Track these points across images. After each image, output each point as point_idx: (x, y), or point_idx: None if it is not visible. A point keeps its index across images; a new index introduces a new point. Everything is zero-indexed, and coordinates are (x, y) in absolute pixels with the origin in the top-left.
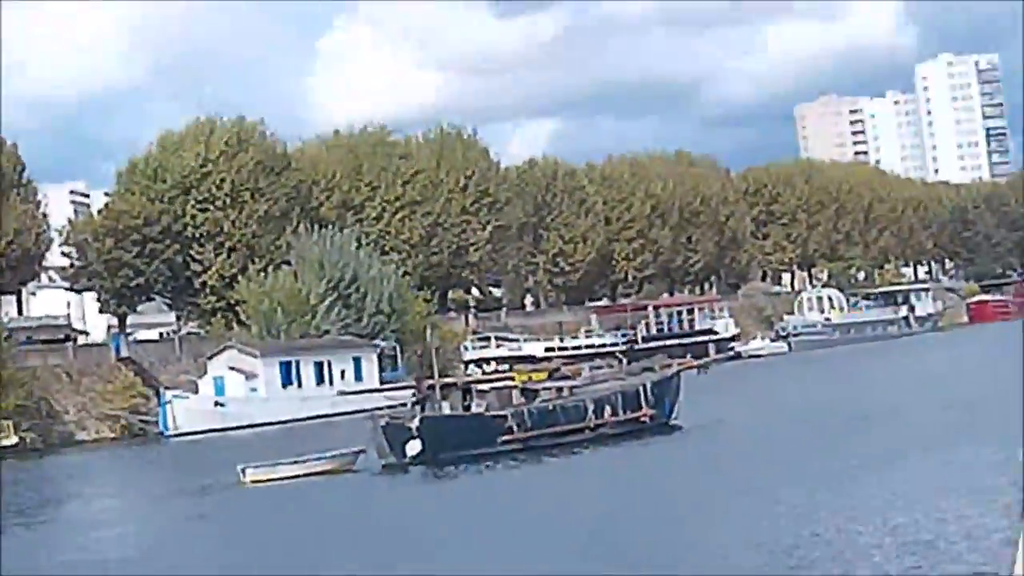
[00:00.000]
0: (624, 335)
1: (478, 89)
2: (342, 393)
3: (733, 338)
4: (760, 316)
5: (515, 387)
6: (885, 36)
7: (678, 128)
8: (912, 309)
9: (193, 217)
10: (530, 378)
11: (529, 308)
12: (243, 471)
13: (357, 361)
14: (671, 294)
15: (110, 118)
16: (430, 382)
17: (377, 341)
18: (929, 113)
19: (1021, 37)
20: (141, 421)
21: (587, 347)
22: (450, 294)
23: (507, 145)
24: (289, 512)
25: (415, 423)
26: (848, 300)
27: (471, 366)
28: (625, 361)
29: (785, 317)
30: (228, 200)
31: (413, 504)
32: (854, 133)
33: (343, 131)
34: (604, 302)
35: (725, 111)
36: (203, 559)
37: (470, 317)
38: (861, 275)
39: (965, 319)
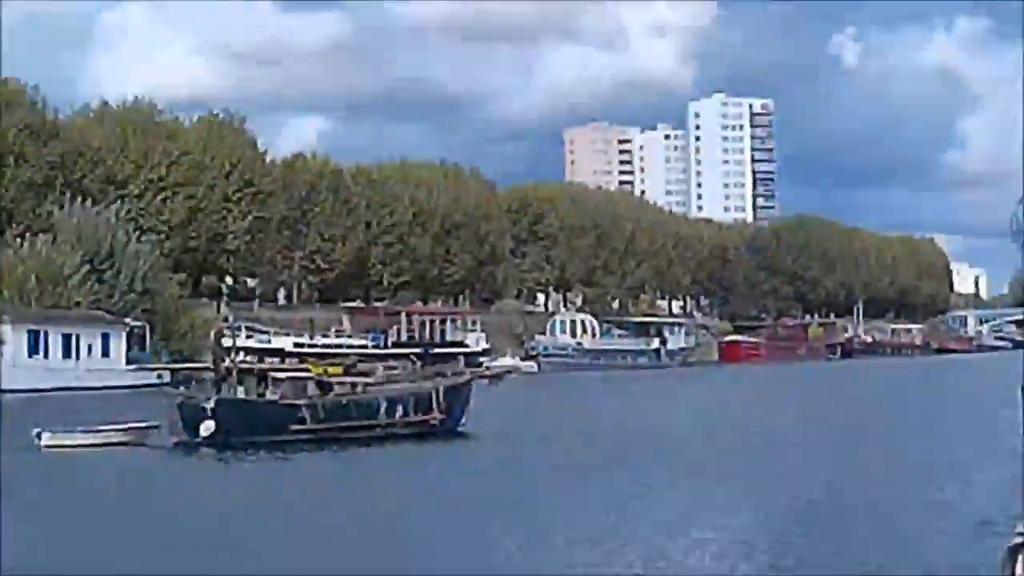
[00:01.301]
0: (375, 338)
1: (254, 79)
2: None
3: (483, 352)
4: (512, 333)
5: (311, 378)
6: (664, 71)
7: (448, 139)
8: (664, 342)
9: None
10: (326, 371)
11: (282, 302)
12: (39, 434)
13: (106, 337)
14: (424, 303)
15: None
16: (226, 365)
17: (127, 319)
18: (698, 151)
19: (795, 85)
20: None
21: (336, 347)
22: (204, 280)
23: (277, 138)
24: (86, 483)
25: (210, 404)
26: (601, 327)
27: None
28: (419, 365)
29: (537, 337)
30: None
31: (201, 484)
32: (622, 162)
33: (112, 104)
34: (357, 304)
35: (496, 127)
36: None
37: (222, 305)
38: (616, 303)
39: (716, 357)
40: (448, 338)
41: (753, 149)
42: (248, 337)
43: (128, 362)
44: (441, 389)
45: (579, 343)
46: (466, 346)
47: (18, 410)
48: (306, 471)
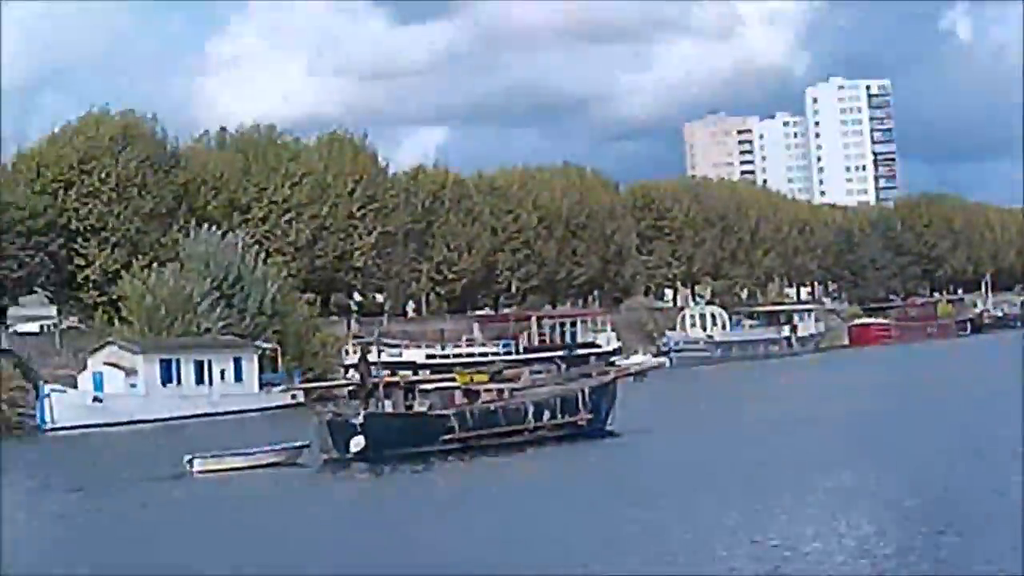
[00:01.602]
0: (506, 345)
1: (371, 95)
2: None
3: (615, 351)
4: (642, 331)
5: (457, 388)
6: (778, 58)
7: (567, 142)
8: (795, 329)
9: (77, 211)
10: (472, 379)
11: (411, 315)
12: (191, 461)
13: (237, 361)
14: (554, 306)
15: None
16: (374, 380)
17: (258, 342)
18: (818, 136)
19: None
20: (19, 414)
21: (468, 355)
22: (332, 298)
23: (397, 152)
24: (239, 504)
25: (359, 419)
26: (731, 318)
27: (351, 371)
28: (564, 367)
29: (667, 332)
30: (113, 195)
31: (359, 499)
32: (742, 153)
33: (232, 130)
34: (487, 311)
35: (615, 126)
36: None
37: (352, 322)
38: (744, 294)
39: (846, 341)
40: (579, 339)
41: (872, 131)
42: (380, 352)
43: (261, 384)
44: (587, 390)
45: (710, 336)
46: (598, 346)
47: (159, 439)
48: (460, 478)
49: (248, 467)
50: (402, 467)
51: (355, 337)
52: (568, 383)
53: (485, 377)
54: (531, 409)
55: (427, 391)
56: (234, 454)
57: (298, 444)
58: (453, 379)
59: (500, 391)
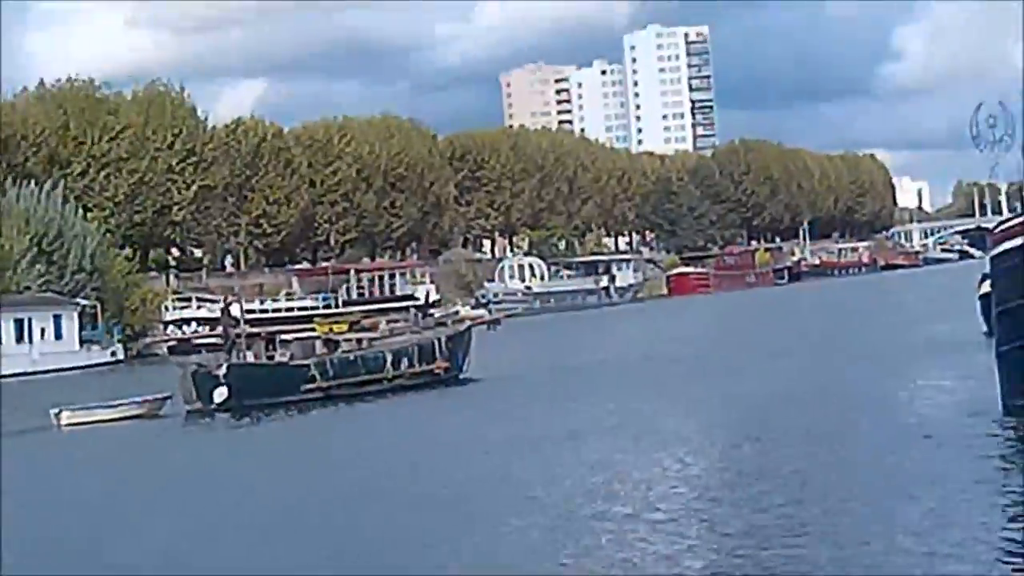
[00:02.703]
0: (325, 298)
1: (191, 48)
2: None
3: (434, 303)
4: (461, 283)
5: (318, 338)
6: (598, 7)
7: (388, 91)
8: (613, 279)
9: None
10: (331, 329)
11: (230, 269)
12: (58, 413)
13: (57, 319)
14: (372, 259)
15: None
16: (236, 331)
17: (78, 299)
18: (636, 84)
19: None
20: None
21: (287, 310)
22: (152, 253)
23: (216, 105)
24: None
25: (222, 370)
26: (549, 269)
27: (171, 326)
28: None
29: (486, 284)
30: None
31: (222, 448)
32: (560, 102)
33: (50, 84)
34: (305, 265)
35: (435, 76)
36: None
37: (171, 277)
38: (563, 244)
39: (665, 291)
40: (398, 292)
41: (690, 78)
42: (199, 307)
43: (81, 342)
44: (443, 338)
45: (528, 287)
46: (417, 299)
47: None
48: (320, 426)
49: (114, 419)
50: (265, 416)
51: (174, 292)
52: (424, 332)
53: (344, 327)
54: (390, 358)
55: (287, 342)
56: (100, 406)
57: (161, 396)
58: (313, 329)
59: (359, 340)
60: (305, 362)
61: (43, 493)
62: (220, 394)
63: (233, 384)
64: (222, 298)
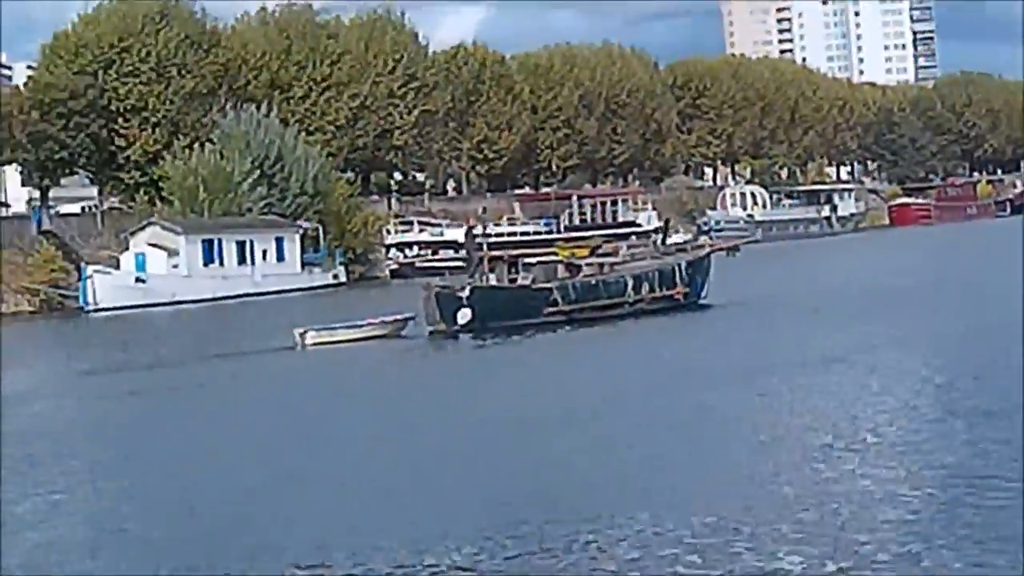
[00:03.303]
0: (547, 224)
1: None
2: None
3: (656, 230)
4: (683, 210)
5: (560, 262)
6: None
7: (608, 20)
8: (835, 209)
9: (117, 91)
10: (573, 254)
11: (452, 194)
12: (303, 334)
13: (280, 241)
14: (594, 185)
15: None
16: (479, 254)
17: (300, 222)
18: (857, 14)
19: None
20: (61, 295)
21: (509, 235)
22: (373, 177)
23: (437, 30)
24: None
25: (466, 292)
26: (771, 197)
27: (393, 250)
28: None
29: (708, 212)
30: (153, 74)
31: (468, 369)
32: (781, 32)
33: (272, 9)
34: (527, 190)
35: (652, 5)
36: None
37: (393, 201)
38: (784, 173)
39: (886, 221)
40: (620, 219)
41: (912, 9)
42: (421, 231)
43: (303, 264)
44: (683, 264)
45: (750, 215)
46: (639, 226)
47: (210, 318)
48: (564, 348)
49: (358, 339)
50: (508, 338)
51: (396, 216)
52: (665, 258)
53: (586, 251)
54: (630, 283)
55: (530, 265)
56: (343, 327)
57: (404, 316)
58: (555, 253)
59: (600, 265)
60: (547, 285)
61: (300, 411)
62: (464, 315)
63: (477, 306)
64: (462, 221)
